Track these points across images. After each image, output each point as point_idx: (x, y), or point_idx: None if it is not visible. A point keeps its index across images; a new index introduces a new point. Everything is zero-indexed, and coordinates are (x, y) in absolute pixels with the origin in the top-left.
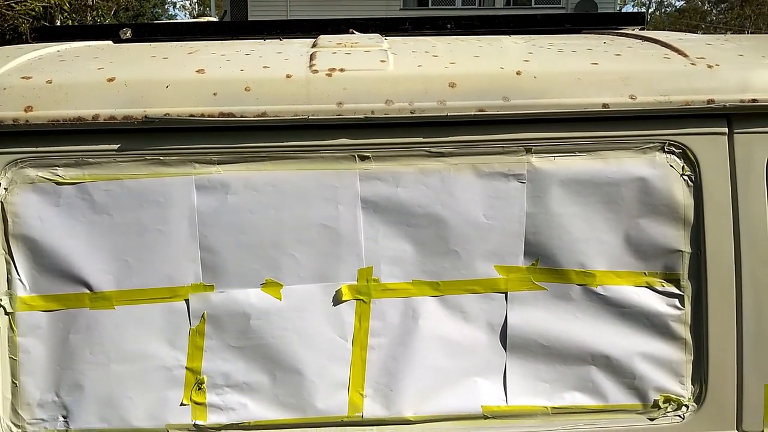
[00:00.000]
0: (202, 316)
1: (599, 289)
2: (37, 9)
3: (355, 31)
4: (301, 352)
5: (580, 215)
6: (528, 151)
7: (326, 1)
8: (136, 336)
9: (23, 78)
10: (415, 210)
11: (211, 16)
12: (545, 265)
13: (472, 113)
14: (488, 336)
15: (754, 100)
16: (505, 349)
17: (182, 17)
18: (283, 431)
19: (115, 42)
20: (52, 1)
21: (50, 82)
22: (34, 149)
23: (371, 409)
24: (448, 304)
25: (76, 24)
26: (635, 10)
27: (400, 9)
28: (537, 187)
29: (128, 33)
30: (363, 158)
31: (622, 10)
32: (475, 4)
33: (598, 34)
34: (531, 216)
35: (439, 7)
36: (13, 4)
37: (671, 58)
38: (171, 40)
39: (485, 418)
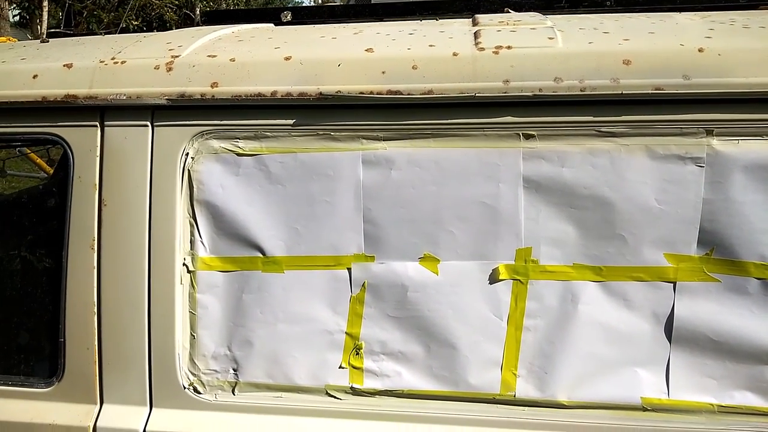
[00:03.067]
0: (363, 285)
1: None
2: None
3: (510, 10)
4: (455, 327)
5: (765, 204)
6: (709, 133)
7: None
8: (302, 299)
9: (209, 56)
10: (581, 191)
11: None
12: (720, 256)
13: (649, 92)
14: (652, 326)
15: None
16: (670, 341)
17: (308, 2)
18: (435, 402)
19: (276, 24)
20: None
21: (233, 60)
22: (218, 122)
23: (524, 389)
24: (610, 291)
25: (222, 9)
26: None
27: None
28: (717, 171)
29: (288, 16)
30: (528, 137)
31: None
32: None
33: None
34: (708, 202)
35: None
36: None
37: None
38: (327, 22)
39: (644, 410)
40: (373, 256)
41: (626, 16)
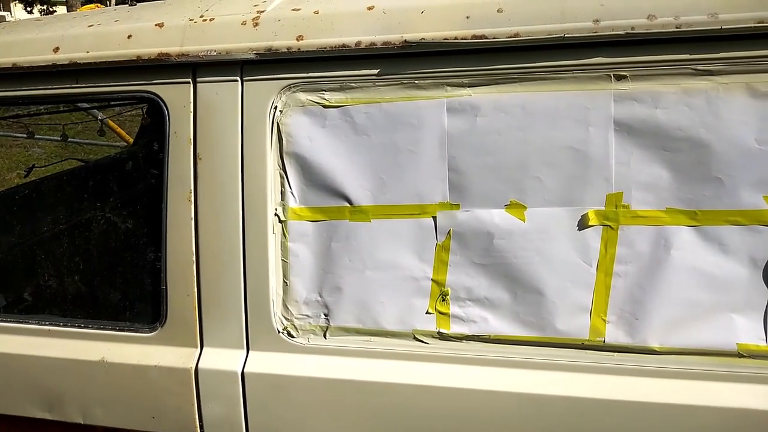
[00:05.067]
0: (448, 233)
1: None
2: None
3: None
4: (542, 273)
5: None
6: None
7: None
8: (388, 247)
9: (293, 10)
10: (675, 133)
11: None
12: None
13: (751, 26)
14: (750, 271)
15: None
16: None
17: None
18: (521, 347)
19: None
20: None
21: (317, 13)
22: (304, 75)
23: (614, 335)
24: (705, 235)
25: None
26: None
27: None
28: None
29: None
30: (619, 78)
31: None
32: None
33: None
34: None
35: None
36: None
37: None
38: None
39: (740, 356)
40: (459, 204)
41: None
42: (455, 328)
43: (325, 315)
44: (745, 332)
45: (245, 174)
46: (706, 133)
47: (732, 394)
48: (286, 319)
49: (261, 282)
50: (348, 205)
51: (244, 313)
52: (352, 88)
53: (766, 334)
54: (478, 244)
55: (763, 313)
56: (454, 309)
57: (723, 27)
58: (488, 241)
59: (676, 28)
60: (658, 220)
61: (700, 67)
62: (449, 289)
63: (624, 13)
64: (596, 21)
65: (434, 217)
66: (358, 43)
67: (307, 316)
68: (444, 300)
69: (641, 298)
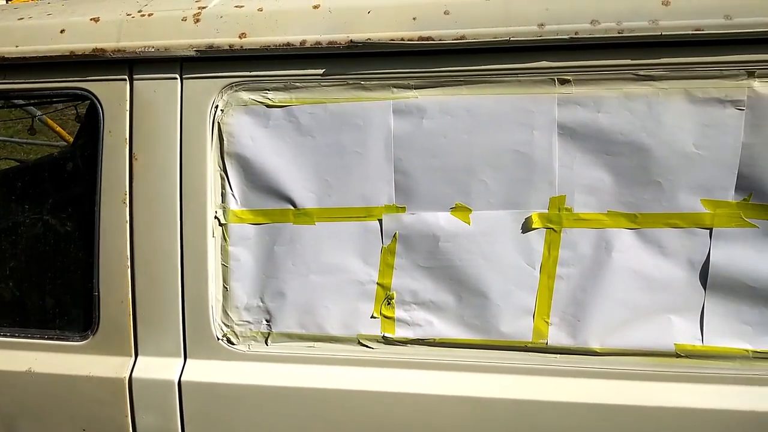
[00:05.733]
0: (394, 236)
1: None
2: None
3: None
4: (487, 276)
5: None
6: (750, 75)
7: None
8: (333, 251)
9: (236, 6)
10: (617, 137)
11: None
12: (759, 201)
13: (689, 33)
14: (687, 273)
15: None
16: (705, 288)
17: None
18: (466, 350)
19: None
20: None
21: (261, 10)
22: (247, 73)
23: (556, 337)
24: (645, 238)
25: None
26: None
27: None
28: (757, 114)
29: None
30: (563, 82)
31: None
32: None
33: None
34: (748, 147)
35: None
36: None
37: None
38: None
39: (678, 356)
40: (404, 207)
41: None
42: (400, 332)
43: (267, 321)
44: (682, 333)
45: (183, 175)
46: (647, 138)
47: (670, 393)
48: (226, 325)
49: (199, 287)
50: (292, 207)
51: (182, 320)
52: (297, 87)
53: (702, 334)
54: (424, 247)
55: (699, 314)
56: (399, 313)
57: (663, 33)
58: (434, 244)
59: (619, 33)
60: (599, 222)
61: (641, 73)
62: (394, 292)
63: (568, 17)
64: (541, 25)
65: (380, 220)
66: (303, 42)
67: (248, 322)
68: (389, 304)
69: (583, 300)
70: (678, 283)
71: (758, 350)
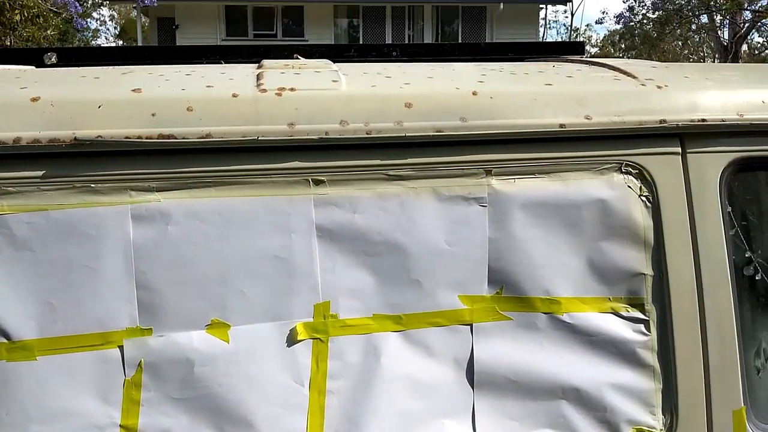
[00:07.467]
0: (139, 365)
1: (565, 317)
2: None
3: (300, 57)
4: (251, 401)
5: (543, 239)
6: (488, 173)
7: None
8: (62, 391)
9: None
10: (374, 237)
11: None
12: (510, 293)
13: (430, 134)
14: (455, 372)
15: (703, 120)
16: (473, 387)
17: None
18: None
19: (38, 67)
20: None
21: None
22: None
23: None
24: (411, 339)
25: None
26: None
27: None
28: (498, 210)
29: (53, 58)
30: (317, 182)
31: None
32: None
33: (543, 61)
34: (494, 241)
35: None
36: None
37: (621, 80)
38: (102, 65)
39: None
40: (151, 329)
41: (408, 64)
42: None
43: None
44: None
45: None
46: (402, 237)
47: None
48: None
49: None
50: (4, 340)
51: None
52: (10, 192)
53: None
54: (176, 374)
55: (471, 415)
56: None
57: (407, 134)
58: (188, 369)
59: (367, 134)
60: (366, 327)
61: (391, 172)
62: None
63: (318, 117)
64: (291, 124)
65: (121, 347)
66: (17, 140)
67: None
68: None
69: (356, 414)
70: (447, 384)
71: None
